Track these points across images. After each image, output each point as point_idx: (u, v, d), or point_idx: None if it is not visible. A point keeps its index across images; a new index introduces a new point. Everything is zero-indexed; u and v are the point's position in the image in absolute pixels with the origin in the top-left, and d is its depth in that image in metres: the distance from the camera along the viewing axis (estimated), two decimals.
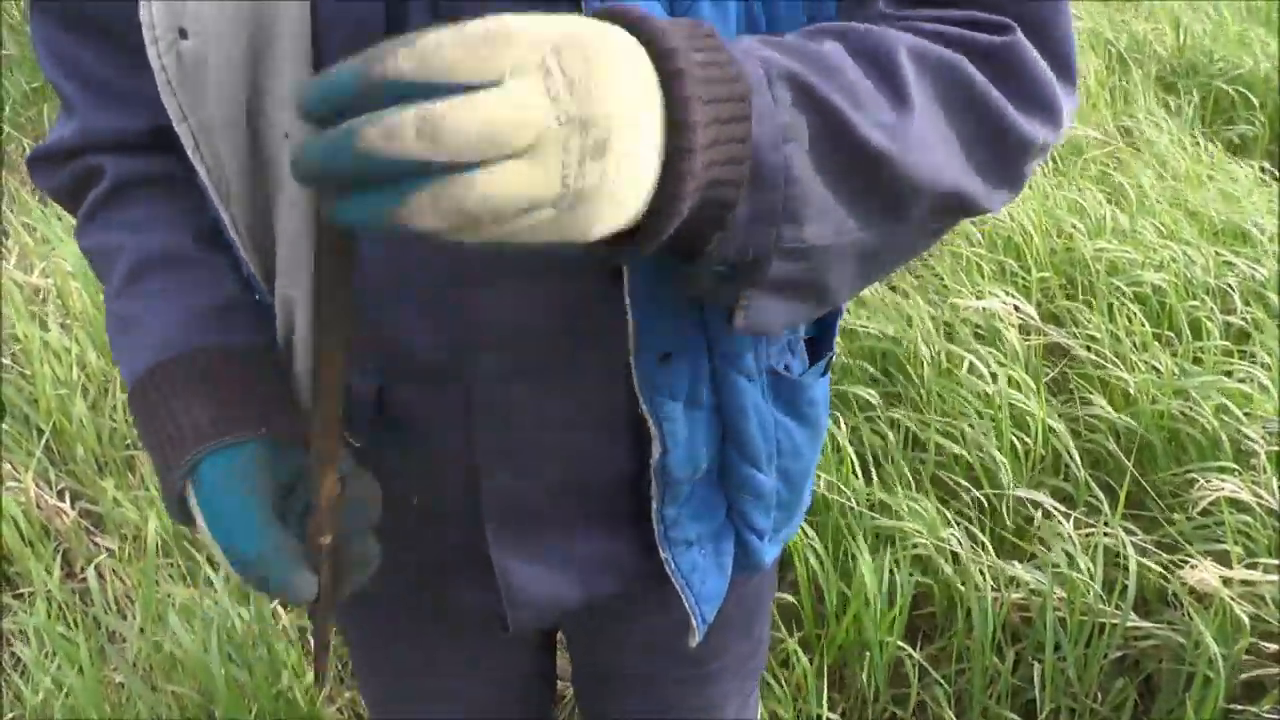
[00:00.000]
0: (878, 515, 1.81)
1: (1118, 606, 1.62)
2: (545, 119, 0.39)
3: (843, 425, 1.99)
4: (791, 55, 0.53)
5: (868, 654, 1.68)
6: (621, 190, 0.43)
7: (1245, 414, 1.83)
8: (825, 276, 0.58)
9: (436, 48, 0.37)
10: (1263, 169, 3.24)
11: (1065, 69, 0.63)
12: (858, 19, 0.61)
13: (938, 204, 0.59)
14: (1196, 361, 2.13)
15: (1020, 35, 0.61)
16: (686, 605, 0.83)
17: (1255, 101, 3.68)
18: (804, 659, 1.65)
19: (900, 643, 1.70)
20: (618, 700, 1.06)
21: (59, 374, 2.48)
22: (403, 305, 0.68)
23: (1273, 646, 1.44)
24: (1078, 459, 1.89)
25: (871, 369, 2.25)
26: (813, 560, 1.72)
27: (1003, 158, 0.61)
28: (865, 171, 0.54)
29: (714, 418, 0.76)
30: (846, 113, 0.52)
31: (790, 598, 1.79)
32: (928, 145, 0.56)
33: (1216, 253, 2.38)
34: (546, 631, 1.05)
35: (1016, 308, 2.11)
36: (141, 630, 1.83)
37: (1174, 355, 2.15)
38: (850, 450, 1.90)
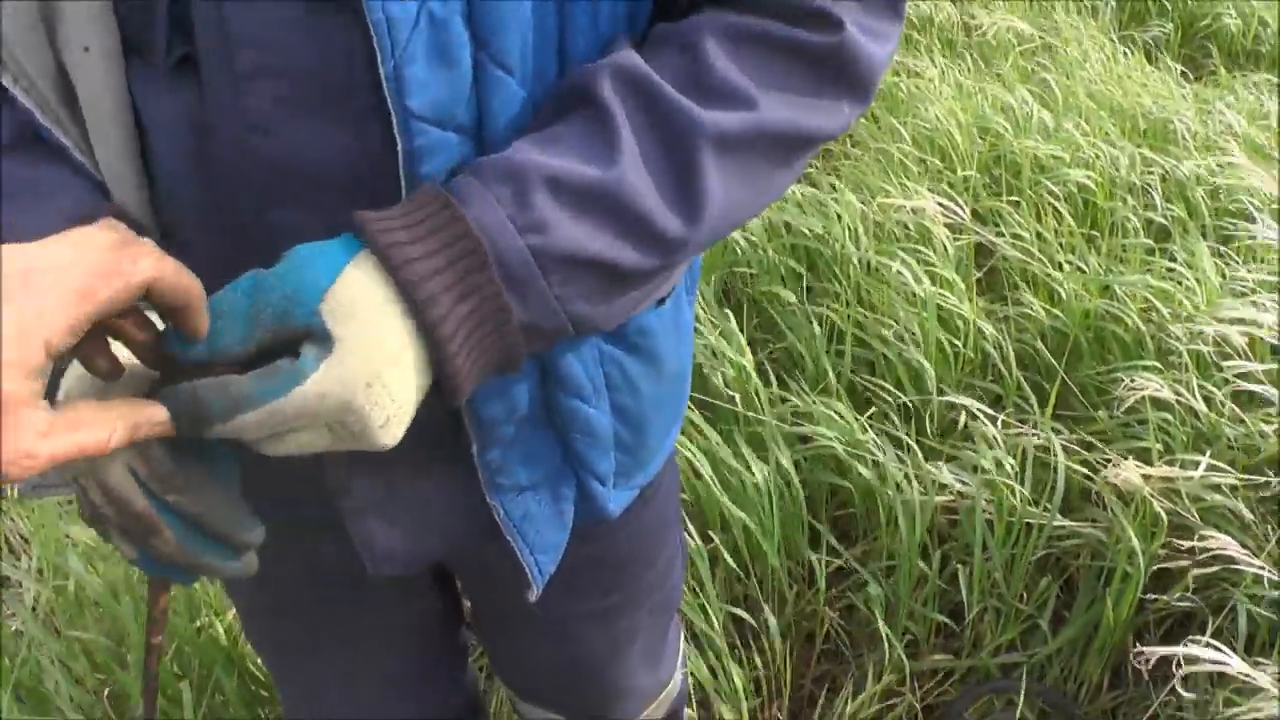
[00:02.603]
0: (789, 421, 1.78)
1: (1044, 508, 1.63)
2: (328, 439, 0.56)
3: (746, 324, 1.94)
4: (569, 204, 0.57)
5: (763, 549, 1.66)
6: (388, 429, 0.56)
7: (1170, 314, 1.85)
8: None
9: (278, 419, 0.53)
10: (1183, 74, 3.26)
11: (896, 13, 0.67)
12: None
13: None
14: (1121, 260, 2.14)
15: (849, 29, 0.63)
16: (520, 558, 0.78)
17: (1168, 6, 3.70)
18: (705, 558, 1.62)
19: (809, 521, 1.68)
20: (516, 639, 1.03)
21: None
22: (212, 233, 0.64)
23: (1186, 542, 1.47)
24: (1011, 358, 1.88)
25: (797, 267, 2.21)
26: (699, 460, 1.68)
27: (804, 162, 0.68)
28: (650, 280, 0.63)
29: None
30: (625, 265, 0.59)
31: (692, 500, 1.76)
32: (722, 223, 0.63)
33: (1141, 154, 2.37)
34: (436, 573, 1.01)
35: (944, 207, 2.07)
36: (40, 573, 1.71)
37: (1100, 254, 2.15)
38: (745, 346, 1.85)
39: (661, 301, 0.78)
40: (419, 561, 0.82)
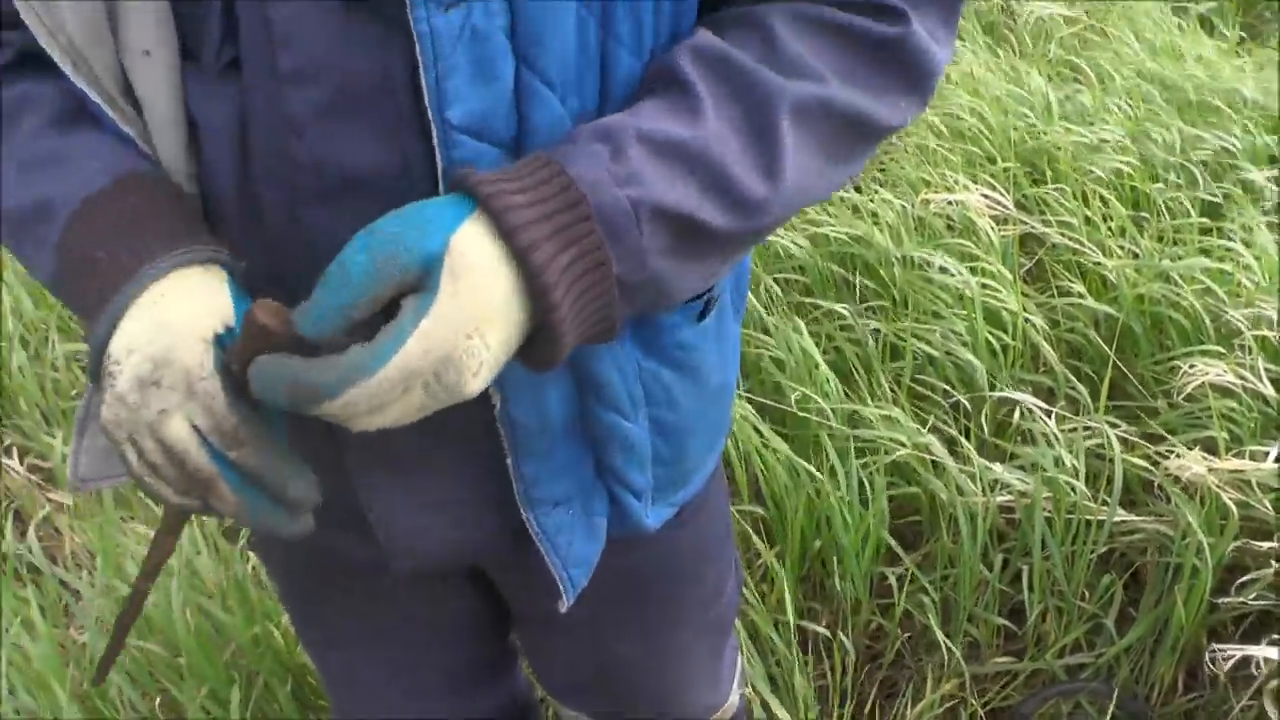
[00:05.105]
0: (853, 428, 1.75)
1: (1103, 502, 1.58)
2: (421, 401, 0.55)
3: (805, 333, 1.91)
4: (662, 160, 0.58)
5: (844, 564, 1.64)
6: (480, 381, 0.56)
7: (1227, 293, 1.77)
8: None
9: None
10: (1240, 39, 3.15)
11: (956, 13, 0.68)
12: None
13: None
14: (1174, 243, 2.07)
15: (914, 24, 0.64)
16: (552, 570, 0.78)
17: None
18: (779, 570, 1.60)
19: (889, 543, 1.65)
20: (553, 643, 1.01)
21: None
22: (250, 233, 0.65)
23: (1264, 545, 1.40)
24: (1054, 354, 1.82)
25: (841, 271, 2.17)
26: (782, 472, 1.66)
27: (865, 156, 0.69)
28: (728, 248, 0.63)
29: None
30: (713, 225, 0.59)
31: (761, 511, 1.74)
32: (796, 195, 0.63)
33: (1193, 129, 2.29)
34: (477, 574, 0.98)
35: (988, 198, 2.02)
36: (109, 586, 1.75)
37: (1150, 237, 2.08)
38: (820, 359, 1.82)
39: (703, 315, 0.77)
40: (444, 560, 0.81)
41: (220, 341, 0.58)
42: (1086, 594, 1.62)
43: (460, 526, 0.79)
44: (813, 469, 1.64)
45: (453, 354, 0.53)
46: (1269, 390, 1.58)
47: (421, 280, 0.53)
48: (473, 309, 0.53)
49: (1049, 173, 2.30)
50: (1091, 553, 1.59)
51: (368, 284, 0.52)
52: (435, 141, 0.58)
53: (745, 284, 0.89)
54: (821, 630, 1.64)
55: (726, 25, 0.64)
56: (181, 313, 0.58)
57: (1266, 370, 1.59)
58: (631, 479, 0.78)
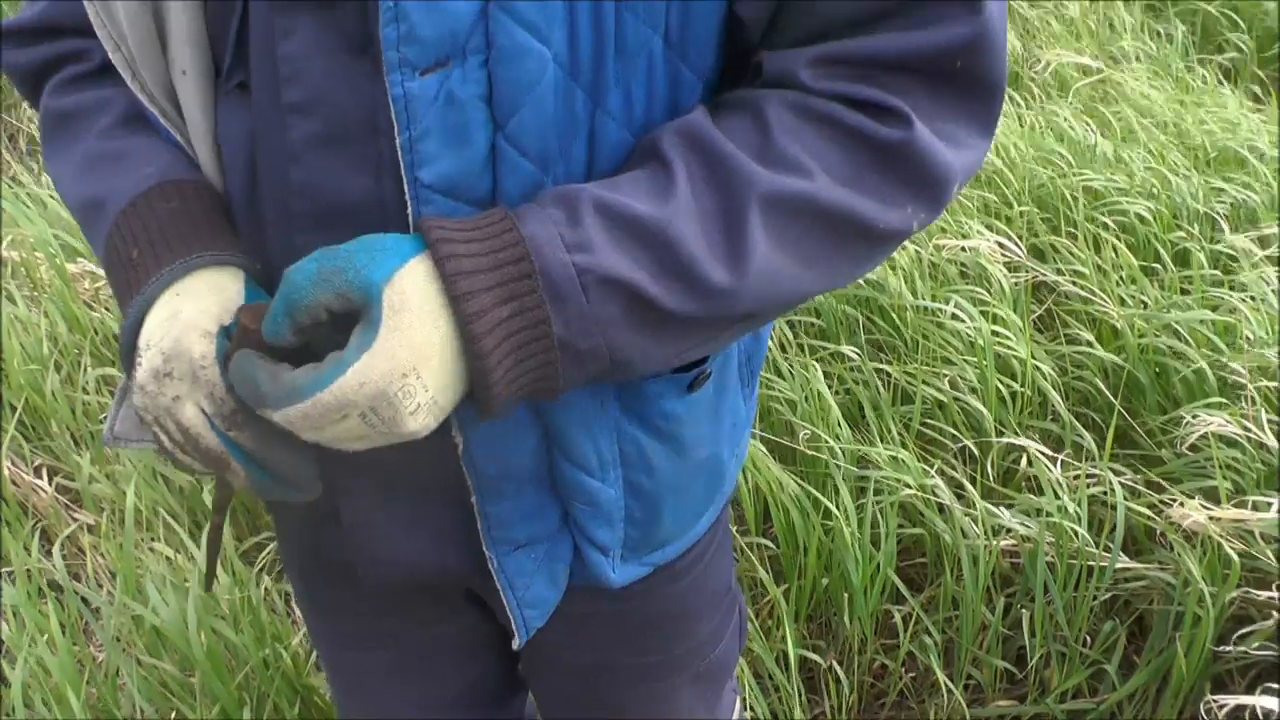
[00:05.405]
0: (860, 467, 1.77)
1: (1106, 548, 1.59)
2: (359, 430, 0.59)
3: (819, 373, 1.94)
4: (617, 232, 0.58)
5: (853, 602, 1.65)
6: (419, 422, 0.58)
7: (1228, 345, 1.79)
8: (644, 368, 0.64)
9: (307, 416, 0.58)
10: (1255, 95, 3.17)
11: (988, 118, 0.65)
12: (773, 68, 0.63)
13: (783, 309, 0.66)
14: (1183, 292, 2.09)
15: (918, 129, 0.61)
16: (507, 609, 0.79)
17: (1243, 24, 3.60)
18: (784, 606, 1.62)
19: (895, 583, 1.66)
20: (557, 681, 1.01)
21: (28, 349, 2.44)
22: (253, 247, 0.70)
23: (1264, 594, 1.41)
24: (1063, 402, 1.84)
25: (856, 313, 2.20)
26: (792, 509, 1.68)
27: (864, 258, 0.66)
28: (692, 329, 0.62)
29: (526, 415, 0.71)
30: (665, 304, 0.59)
31: (772, 545, 1.76)
32: (770, 287, 0.62)
33: (1206, 181, 2.31)
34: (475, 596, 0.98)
35: (1002, 245, 2.05)
36: (126, 605, 1.79)
37: (1161, 287, 2.10)
38: (832, 401, 1.85)
39: (692, 387, 0.76)
40: (411, 576, 0.82)
41: (227, 333, 0.64)
42: (1089, 640, 1.63)
43: (427, 547, 0.81)
44: (831, 505, 1.66)
45: (387, 390, 0.55)
46: (1271, 441, 1.59)
47: (365, 308, 0.56)
48: (410, 348, 0.55)
49: (1063, 219, 2.33)
50: (1094, 599, 1.60)
51: (309, 290, 0.56)
52: (407, 197, 0.61)
53: (758, 363, 0.88)
54: (820, 661, 1.65)
55: (725, 108, 0.64)
56: (190, 308, 0.63)
57: (1269, 422, 1.60)
58: (595, 534, 0.78)
